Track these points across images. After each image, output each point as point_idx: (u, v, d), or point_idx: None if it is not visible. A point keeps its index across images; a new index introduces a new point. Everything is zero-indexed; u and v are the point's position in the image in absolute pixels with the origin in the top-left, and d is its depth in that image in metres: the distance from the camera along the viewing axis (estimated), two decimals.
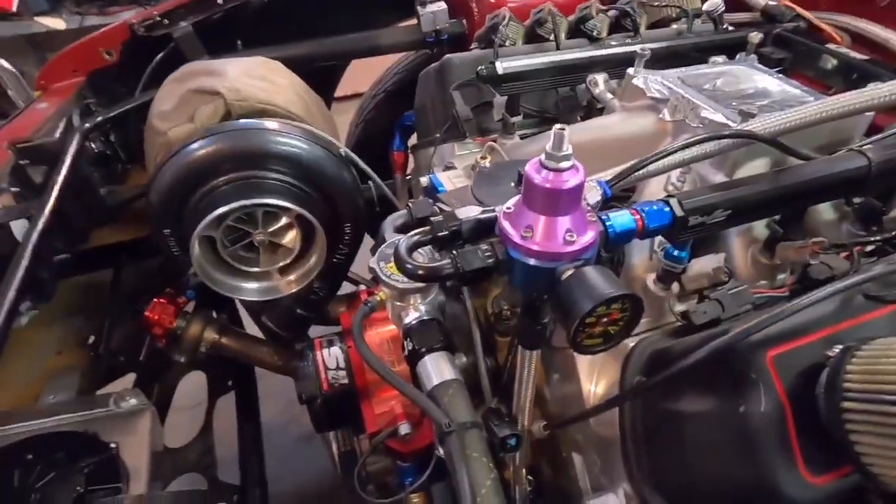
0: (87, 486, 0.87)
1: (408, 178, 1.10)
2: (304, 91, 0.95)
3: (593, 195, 0.44)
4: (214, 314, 1.19)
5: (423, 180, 0.75)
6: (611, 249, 0.53)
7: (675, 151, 0.46)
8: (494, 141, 0.84)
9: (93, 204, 1.05)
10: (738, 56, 0.78)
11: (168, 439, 1.23)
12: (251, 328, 1.15)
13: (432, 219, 0.46)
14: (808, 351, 0.40)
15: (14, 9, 2.05)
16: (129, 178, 1.20)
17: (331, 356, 0.73)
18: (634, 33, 0.91)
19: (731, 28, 0.94)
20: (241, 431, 1.25)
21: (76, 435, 0.95)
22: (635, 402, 0.50)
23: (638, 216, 0.46)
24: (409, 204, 0.72)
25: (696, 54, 0.86)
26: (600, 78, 0.78)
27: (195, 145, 0.77)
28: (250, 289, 0.84)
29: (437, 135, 0.85)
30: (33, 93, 1.16)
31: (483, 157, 0.78)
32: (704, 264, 0.55)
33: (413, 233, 0.46)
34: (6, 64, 2.03)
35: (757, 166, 0.62)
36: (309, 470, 1.48)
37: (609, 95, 0.77)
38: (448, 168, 0.81)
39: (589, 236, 0.42)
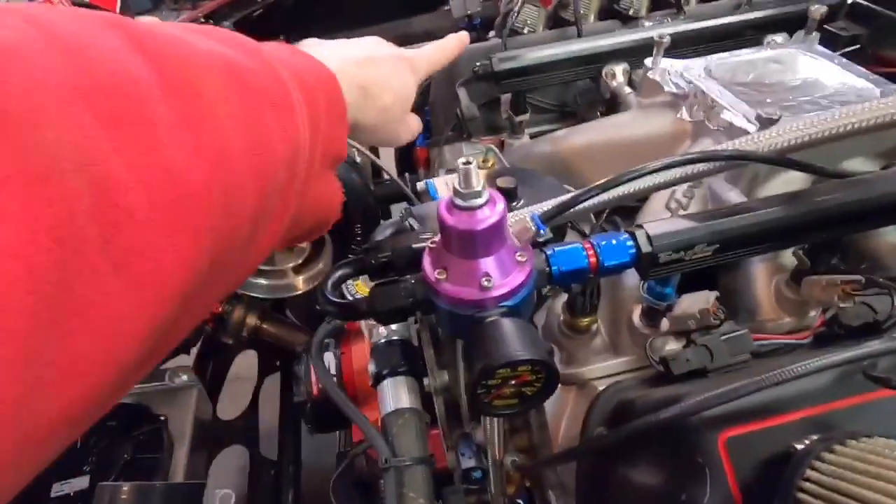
0: (135, 453, 0.98)
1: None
2: None
3: (526, 232, 0.38)
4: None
5: (420, 185, 0.71)
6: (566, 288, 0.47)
7: (629, 181, 0.39)
8: (502, 142, 0.78)
9: None
10: (794, 35, 0.64)
11: (225, 409, 1.35)
12: None
13: (364, 246, 0.44)
14: (774, 436, 0.33)
15: (117, 10, 2.30)
16: None
17: (324, 361, 0.74)
18: (678, 10, 0.78)
19: None
20: (283, 410, 1.33)
21: (133, 406, 1.07)
22: (589, 458, 0.44)
23: (591, 251, 0.39)
24: (402, 212, 0.69)
25: (751, 33, 0.72)
26: (619, 69, 0.68)
27: None
28: (262, 285, 0.88)
29: (444, 134, 0.81)
30: None
31: (485, 161, 0.73)
32: (690, 303, 0.46)
33: (342, 262, 0.44)
34: None
35: (790, 179, 0.51)
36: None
37: (628, 89, 0.67)
38: (452, 171, 0.77)
39: (514, 280, 0.37)
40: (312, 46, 0.44)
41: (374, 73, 0.44)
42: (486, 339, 0.34)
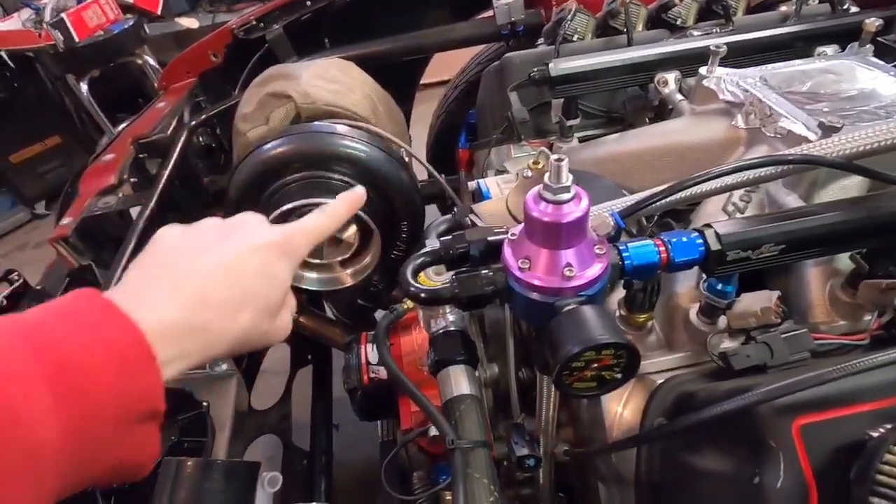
0: (180, 436, 1.02)
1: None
2: (371, 90, 0.98)
3: (604, 227, 0.40)
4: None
5: (472, 185, 0.74)
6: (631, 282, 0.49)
7: (706, 180, 0.41)
8: (550, 145, 0.80)
9: (198, 191, 1.19)
10: (848, 47, 0.65)
11: (257, 401, 1.38)
12: None
13: (441, 238, 0.46)
14: (847, 425, 0.34)
15: (159, 12, 2.38)
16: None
17: (374, 351, 0.77)
18: (726, 20, 0.80)
19: (854, 10, 0.79)
20: (315, 402, 1.36)
21: (177, 391, 1.11)
22: (652, 445, 0.46)
23: (662, 247, 0.42)
24: (455, 210, 0.72)
25: (801, 45, 0.73)
26: (671, 77, 0.70)
27: (268, 146, 0.84)
28: (311, 278, 0.91)
29: (494, 136, 0.83)
30: None
31: (535, 163, 0.75)
32: (752, 301, 0.48)
33: (421, 252, 0.46)
34: (151, 60, 2.37)
35: (846, 187, 0.53)
36: (372, 443, 1.57)
37: (679, 97, 0.69)
38: (500, 172, 0.80)
39: (594, 271, 0.39)
40: (141, 292, 0.35)
41: (222, 300, 0.36)
42: (571, 325, 0.36)
